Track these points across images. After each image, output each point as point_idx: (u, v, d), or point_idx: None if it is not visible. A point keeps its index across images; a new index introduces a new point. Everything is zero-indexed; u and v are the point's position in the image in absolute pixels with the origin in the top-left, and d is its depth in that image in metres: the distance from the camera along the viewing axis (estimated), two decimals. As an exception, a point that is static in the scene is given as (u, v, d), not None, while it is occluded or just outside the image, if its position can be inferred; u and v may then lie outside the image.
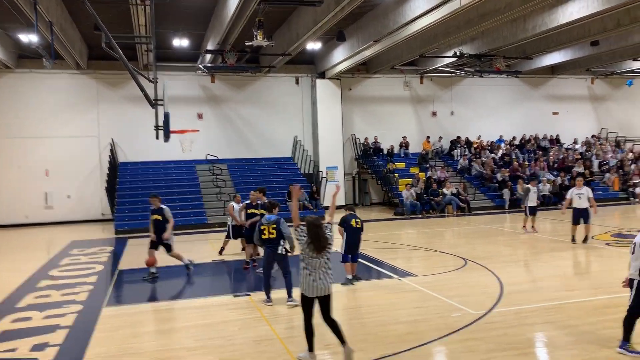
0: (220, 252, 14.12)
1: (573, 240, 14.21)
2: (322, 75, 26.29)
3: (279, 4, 16.76)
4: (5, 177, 23.22)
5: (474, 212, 23.24)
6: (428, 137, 28.34)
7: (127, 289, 11.43)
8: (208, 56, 22.32)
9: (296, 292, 8.82)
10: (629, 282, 6.36)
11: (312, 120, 26.96)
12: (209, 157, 24.39)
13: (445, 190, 23.67)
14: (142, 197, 20.43)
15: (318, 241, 6.29)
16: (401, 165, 26.61)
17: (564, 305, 8.43)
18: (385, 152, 27.17)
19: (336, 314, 9.00)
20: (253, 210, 12.14)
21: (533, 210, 16.77)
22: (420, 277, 10.90)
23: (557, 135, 30.42)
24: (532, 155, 28.26)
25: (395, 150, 27.66)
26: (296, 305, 8.25)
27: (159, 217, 11.53)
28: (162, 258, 12.54)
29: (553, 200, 23.59)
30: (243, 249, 13.28)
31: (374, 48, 20.79)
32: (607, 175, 27.47)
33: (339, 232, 10.33)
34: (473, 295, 9.28)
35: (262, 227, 8.94)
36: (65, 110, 23.90)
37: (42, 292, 10.57)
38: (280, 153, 26.50)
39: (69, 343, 7.50)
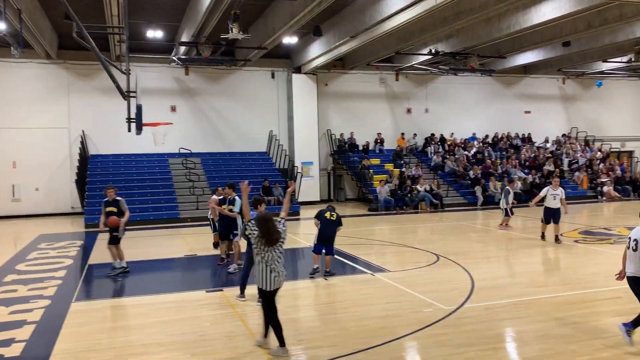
0: (215, 247, 13.41)
1: (543, 237, 14.50)
2: (298, 70, 26.20)
3: (255, -4, 16.65)
4: (-30, 168, 22.59)
5: (446, 209, 23.52)
6: (403, 134, 28.53)
7: (97, 283, 11.20)
8: (182, 48, 22.03)
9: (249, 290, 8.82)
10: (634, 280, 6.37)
11: (287, 115, 26.86)
12: (182, 151, 24.10)
13: (419, 187, 23.89)
14: (113, 190, 20.05)
15: (269, 235, 6.33)
16: (376, 161, 26.74)
17: (533, 301, 8.59)
18: (360, 148, 27.25)
19: (310, 309, 9.06)
20: (223, 206, 12.03)
21: (512, 211, 17.20)
22: (394, 272, 10.98)
23: (529, 133, 30.96)
24: (504, 153, 28.69)
25: (371, 147, 27.77)
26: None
27: (114, 209, 11.06)
28: (131, 253, 12.35)
29: (524, 197, 24.01)
30: (216, 245, 13.13)
31: (350, 44, 20.80)
32: (577, 173, 28.10)
33: (315, 224, 10.71)
34: (445, 290, 9.40)
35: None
36: (34, 101, 23.29)
37: (9, 287, 10.30)
38: (255, 147, 26.32)
39: (35, 338, 7.33)
